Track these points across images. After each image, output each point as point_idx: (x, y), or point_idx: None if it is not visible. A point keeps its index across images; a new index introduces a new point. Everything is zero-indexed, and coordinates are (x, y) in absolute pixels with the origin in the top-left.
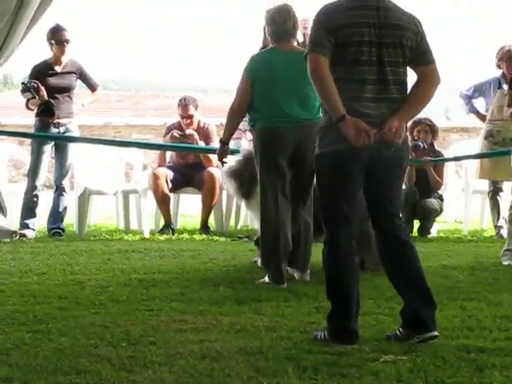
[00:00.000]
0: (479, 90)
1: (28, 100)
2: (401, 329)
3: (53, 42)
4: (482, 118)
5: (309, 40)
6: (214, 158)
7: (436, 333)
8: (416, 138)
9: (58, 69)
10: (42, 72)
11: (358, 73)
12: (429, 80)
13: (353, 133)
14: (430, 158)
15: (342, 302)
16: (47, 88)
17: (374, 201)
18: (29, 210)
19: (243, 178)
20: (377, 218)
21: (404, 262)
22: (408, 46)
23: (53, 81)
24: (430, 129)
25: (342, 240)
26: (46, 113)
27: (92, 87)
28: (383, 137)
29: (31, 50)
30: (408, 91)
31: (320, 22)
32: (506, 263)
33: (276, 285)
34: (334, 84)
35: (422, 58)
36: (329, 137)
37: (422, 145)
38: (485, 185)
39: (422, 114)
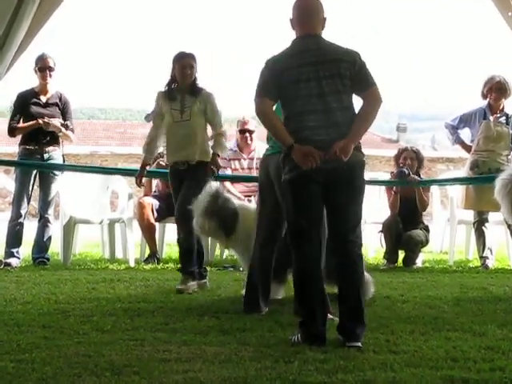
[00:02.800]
0: (465, 121)
1: (11, 127)
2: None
3: (36, 69)
4: (468, 148)
5: (256, 86)
6: None
7: (358, 344)
8: (401, 165)
9: (42, 98)
10: (27, 99)
11: (302, 106)
12: (370, 102)
13: (300, 158)
14: (417, 178)
15: (308, 310)
16: (31, 116)
17: (330, 218)
18: (14, 238)
19: (223, 216)
20: (331, 233)
21: (344, 277)
22: (346, 75)
23: (37, 110)
24: (416, 157)
25: (304, 255)
26: (31, 140)
27: (66, 125)
28: (328, 157)
29: (19, 78)
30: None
31: (264, 70)
32: None
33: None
34: (279, 120)
35: (362, 84)
36: (287, 165)
37: (406, 172)
38: (470, 215)
39: (408, 144)
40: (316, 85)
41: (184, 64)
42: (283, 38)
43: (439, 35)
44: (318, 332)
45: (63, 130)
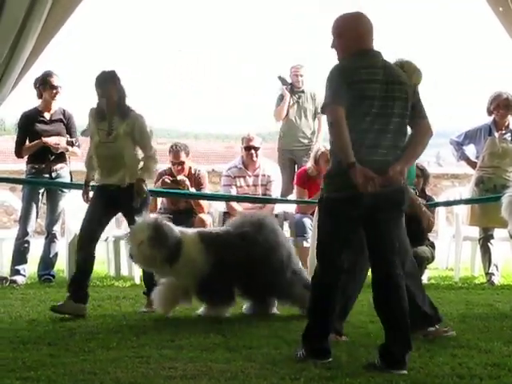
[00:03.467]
0: (470, 137)
1: (17, 149)
2: (378, 359)
3: (41, 87)
4: (473, 164)
5: (328, 93)
6: (205, 204)
7: (404, 371)
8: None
9: (46, 115)
10: (31, 118)
11: (367, 124)
12: (425, 133)
13: (361, 180)
14: (423, 201)
15: (318, 326)
16: (36, 134)
17: (371, 242)
18: (20, 256)
19: (167, 244)
20: (373, 258)
21: (387, 302)
22: (408, 99)
23: (41, 127)
24: (422, 174)
25: (328, 276)
26: (38, 159)
27: (71, 143)
28: (385, 180)
29: (24, 95)
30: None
31: (338, 77)
32: None
33: None
34: (347, 133)
35: (418, 112)
36: (335, 184)
37: (413, 191)
38: (476, 232)
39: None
40: (385, 105)
41: (102, 93)
42: (283, 38)
43: (439, 36)
44: (322, 346)
45: (70, 148)
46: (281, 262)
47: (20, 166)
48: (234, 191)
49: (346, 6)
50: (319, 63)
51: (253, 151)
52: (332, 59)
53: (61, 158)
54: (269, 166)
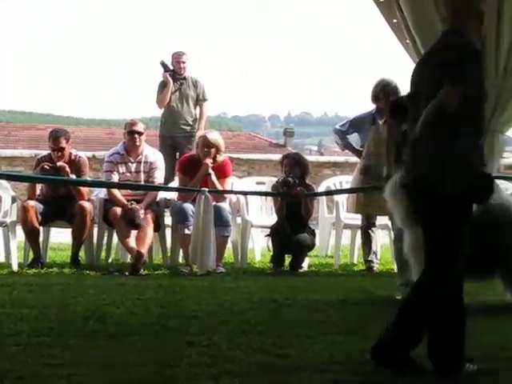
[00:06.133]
0: (354, 125)
1: None
2: None
3: None
4: (358, 153)
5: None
6: (85, 190)
7: None
8: (287, 173)
9: None
10: None
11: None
12: None
13: None
14: (303, 189)
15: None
16: None
17: None
18: None
19: None
20: None
21: None
22: None
23: None
24: (297, 162)
25: (455, 279)
26: None
27: None
28: None
29: None
30: None
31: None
32: (398, 297)
33: None
34: None
35: None
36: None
37: (292, 180)
38: (355, 219)
39: (294, 149)
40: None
41: None
42: (283, 37)
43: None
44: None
45: None
46: None
47: None
48: (115, 177)
49: (347, 6)
50: (320, 63)
51: (136, 136)
52: (334, 61)
53: None
54: (152, 154)
